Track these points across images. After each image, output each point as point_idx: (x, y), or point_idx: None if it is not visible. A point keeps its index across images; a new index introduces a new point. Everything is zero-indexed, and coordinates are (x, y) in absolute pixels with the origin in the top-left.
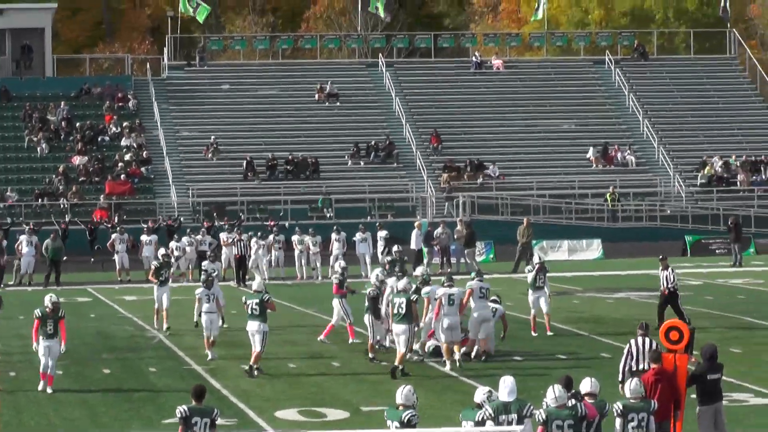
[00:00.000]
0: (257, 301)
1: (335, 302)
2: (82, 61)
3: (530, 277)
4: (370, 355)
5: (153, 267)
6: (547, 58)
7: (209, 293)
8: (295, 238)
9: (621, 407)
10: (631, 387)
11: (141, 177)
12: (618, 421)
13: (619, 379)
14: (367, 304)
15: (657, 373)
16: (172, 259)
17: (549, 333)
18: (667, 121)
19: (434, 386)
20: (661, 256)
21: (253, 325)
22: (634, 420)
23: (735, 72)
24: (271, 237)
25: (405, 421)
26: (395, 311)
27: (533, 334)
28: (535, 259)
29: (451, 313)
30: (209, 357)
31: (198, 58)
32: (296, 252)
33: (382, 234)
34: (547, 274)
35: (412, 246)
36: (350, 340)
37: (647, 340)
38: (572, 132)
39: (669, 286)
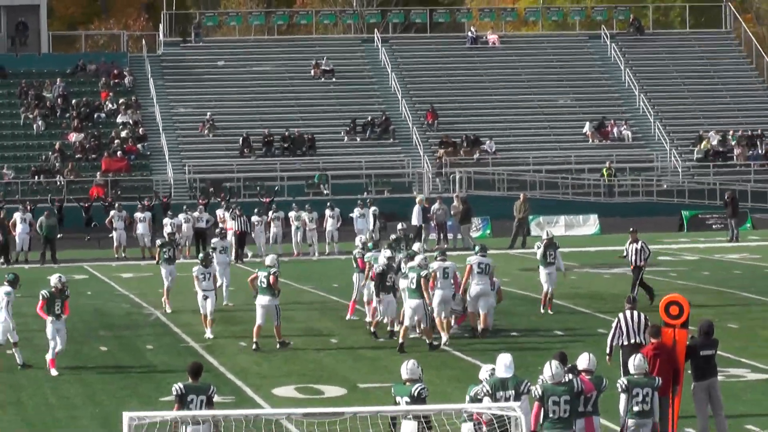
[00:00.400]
0: (266, 274)
1: (355, 277)
2: (77, 37)
3: (539, 253)
4: (372, 330)
5: (157, 246)
6: (543, 33)
7: (206, 272)
8: (291, 214)
9: (626, 383)
10: (635, 363)
11: (137, 154)
12: (623, 397)
13: (607, 351)
14: (374, 281)
15: (656, 347)
16: (177, 236)
17: (549, 311)
18: (663, 95)
19: (432, 362)
20: (631, 229)
21: (263, 300)
22: (639, 395)
23: (731, 46)
24: (270, 213)
25: (415, 395)
26: (408, 286)
27: (544, 311)
28: (544, 235)
29: (444, 286)
30: (207, 336)
31: (193, 34)
32: (293, 228)
33: (372, 210)
34: (558, 250)
35: (414, 222)
36: (348, 317)
37: (635, 313)
38: (568, 107)
39: (642, 260)
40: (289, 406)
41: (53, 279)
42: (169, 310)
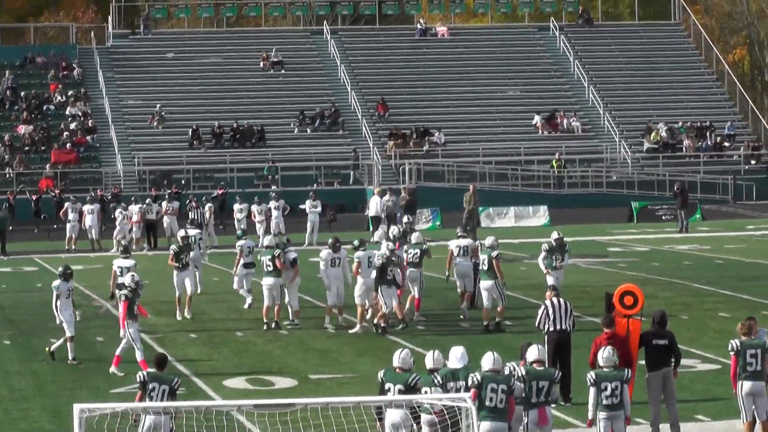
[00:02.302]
0: (270, 257)
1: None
2: (26, 30)
3: (544, 257)
4: (383, 324)
5: (171, 252)
6: (492, 24)
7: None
8: (235, 206)
9: (594, 376)
10: (604, 355)
11: (86, 146)
12: (592, 391)
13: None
14: (375, 273)
15: (610, 337)
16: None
17: None
18: (612, 87)
19: (380, 354)
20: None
21: (268, 281)
22: (608, 389)
23: (680, 38)
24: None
25: (412, 384)
26: (410, 260)
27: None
28: (554, 235)
29: (366, 275)
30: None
31: (143, 26)
32: (236, 220)
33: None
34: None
35: (372, 213)
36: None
37: (561, 300)
38: (518, 99)
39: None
40: (240, 397)
41: (126, 279)
42: (189, 316)
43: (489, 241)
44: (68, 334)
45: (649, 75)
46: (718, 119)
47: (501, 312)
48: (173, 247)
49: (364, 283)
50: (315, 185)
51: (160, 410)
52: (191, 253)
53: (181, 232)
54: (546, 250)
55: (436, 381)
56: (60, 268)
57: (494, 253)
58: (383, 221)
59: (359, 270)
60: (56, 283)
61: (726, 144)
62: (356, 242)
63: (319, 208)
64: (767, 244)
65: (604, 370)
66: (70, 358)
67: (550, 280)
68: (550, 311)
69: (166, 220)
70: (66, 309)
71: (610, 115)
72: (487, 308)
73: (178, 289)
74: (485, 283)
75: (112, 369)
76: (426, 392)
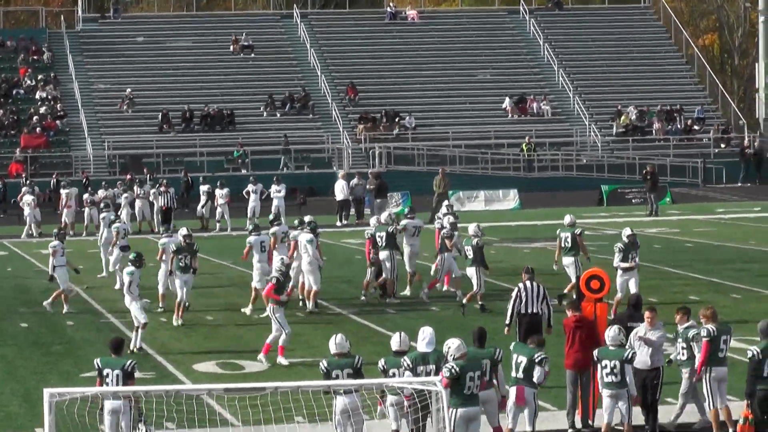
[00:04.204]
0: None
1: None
2: None
3: (621, 258)
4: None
5: (171, 254)
6: (462, 8)
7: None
8: (202, 188)
9: (596, 354)
10: (610, 334)
11: (56, 130)
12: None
13: (506, 322)
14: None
15: (577, 320)
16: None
17: None
18: (582, 70)
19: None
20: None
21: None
22: (607, 367)
23: (649, 21)
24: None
25: (358, 366)
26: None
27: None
28: (626, 232)
29: (261, 259)
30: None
31: (112, 10)
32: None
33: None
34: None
35: (339, 197)
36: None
37: (534, 284)
38: (488, 82)
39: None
40: (210, 381)
41: (276, 262)
42: (180, 323)
43: (472, 229)
44: (142, 321)
45: (619, 58)
46: (687, 103)
47: (470, 297)
48: (172, 246)
49: (261, 267)
50: (285, 169)
51: (119, 394)
52: (104, 236)
53: (184, 231)
54: (621, 249)
55: (405, 364)
56: (132, 255)
57: (475, 241)
58: (351, 205)
59: (250, 253)
60: (130, 269)
61: (696, 127)
62: (251, 226)
63: (283, 192)
64: (736, 228)
65: (611, 348)
66: (137, 346)
67: (622, 282)
68: (523, 294)
69: (138, 204)
70: (138, 298)
71: (580, 98)
72: (478, 293)
73: (180, 290)
74: (470, 270)
75: (260, 356)
76: (394, 374)
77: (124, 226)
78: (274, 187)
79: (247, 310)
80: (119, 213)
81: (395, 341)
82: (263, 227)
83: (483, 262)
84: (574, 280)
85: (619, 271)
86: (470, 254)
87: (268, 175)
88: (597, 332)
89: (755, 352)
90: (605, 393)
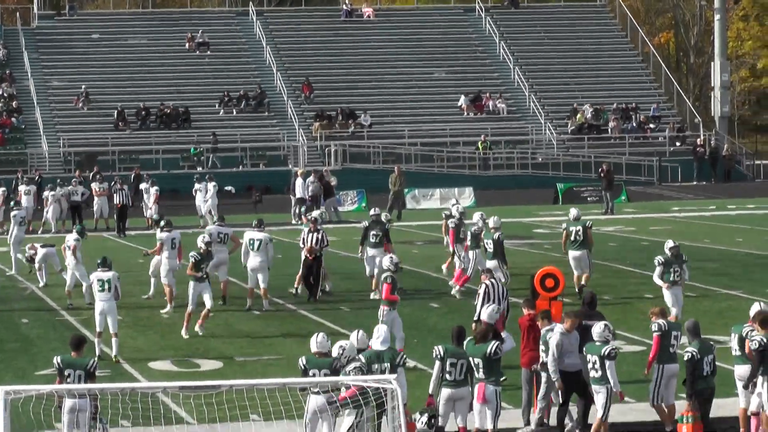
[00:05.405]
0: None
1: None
2: None
3: (660, 273)
4: None
5: (192, 260)
6: (418, 6)
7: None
8: (143, 186)
9: (585, 349)
10: (596, 330)
11: (11, 127)
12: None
13: (474, 318)
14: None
15: (531, 319)
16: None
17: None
18: (537, 69)
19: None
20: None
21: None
22: (590, 362)
23: (605, 19)
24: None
25: (336, 368)
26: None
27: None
28: (668, 244)
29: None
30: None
31: (68, 7)
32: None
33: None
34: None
35: (298, 195)
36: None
37: (495, 281)
38: (443, 80)
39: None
40: (166, 379)
41: (386, 261)
42: (201, 332)
43: (493, 221)
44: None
45: (574, 57)
46: (643, 101)
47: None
48: (193, 254)
49: (169, 263)
50: (240, 167)
51: (83, 393)
52: (14, 234)
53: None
54: (661, 263)
55: (360, 363)
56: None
57: (497, 235)
58: (307, 202)
59: (162, 251)
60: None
61: (651, 126)
62: (162, 222)
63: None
64: (692, 226)
65: (596, 344)
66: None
67: (668, 298)
68: (491, 291)
69: (96, 201)
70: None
71: (535, 96)
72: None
73: (192, 302)
74: (490, 264)
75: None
76: (314, 374)
77: (22, 213)
78: (197, 185)
79: (166, 311)
80: (45, 210)
81: (313, 342)
82: (176, 227)
83: (503, 256)
84: (588, 273)
85: (665, 286)
86: (490, 248)
87: (225, 173)
88: None
89: (693, 353)
90: (592, 388)
